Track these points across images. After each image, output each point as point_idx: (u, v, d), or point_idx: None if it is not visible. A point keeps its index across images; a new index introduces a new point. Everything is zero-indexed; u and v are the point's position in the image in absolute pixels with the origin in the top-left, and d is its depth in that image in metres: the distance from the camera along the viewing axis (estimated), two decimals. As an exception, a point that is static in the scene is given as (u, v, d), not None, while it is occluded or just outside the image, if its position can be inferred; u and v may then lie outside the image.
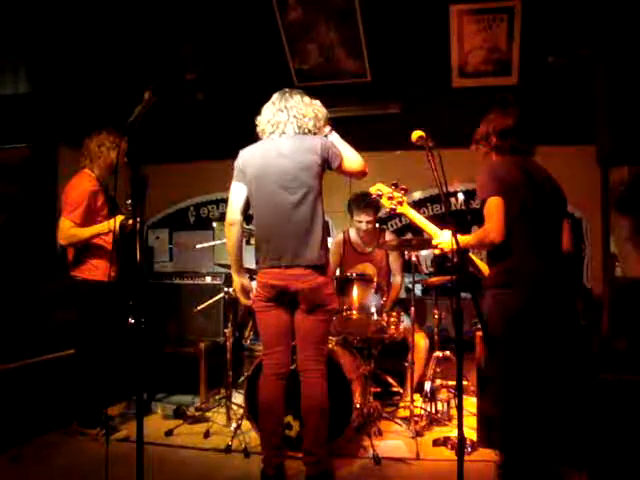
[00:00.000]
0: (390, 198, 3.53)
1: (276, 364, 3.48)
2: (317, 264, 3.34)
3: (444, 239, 3.21)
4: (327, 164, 3.40)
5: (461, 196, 6.06)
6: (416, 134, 2.86)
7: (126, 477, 2.37)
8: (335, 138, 3.57)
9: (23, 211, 5.59)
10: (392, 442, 4.21)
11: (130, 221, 4.06)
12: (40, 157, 5.71)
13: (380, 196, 3.56)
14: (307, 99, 3.51)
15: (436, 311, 4.78)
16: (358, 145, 5.05)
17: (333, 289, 3.54)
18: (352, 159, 3.49)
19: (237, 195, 3.51)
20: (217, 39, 5.88)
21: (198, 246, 5.34)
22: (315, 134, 3.47)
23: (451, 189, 6.02)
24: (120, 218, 4.08)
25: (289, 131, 3.44)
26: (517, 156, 3.16)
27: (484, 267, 3.33)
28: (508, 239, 2.97)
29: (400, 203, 3.52)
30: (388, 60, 5.84)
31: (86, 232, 4.26)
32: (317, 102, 3.55)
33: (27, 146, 5.74)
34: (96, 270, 4.33)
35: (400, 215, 3.87)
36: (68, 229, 4.25)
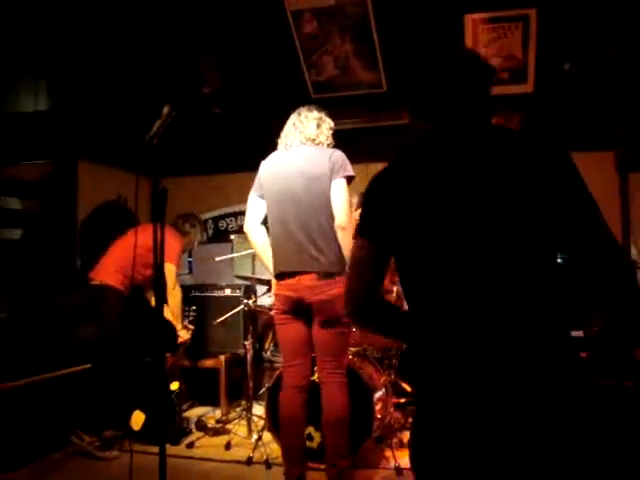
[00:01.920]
0: None
1: (296, 377, 3.48)
2: (330, 272, 3.33)
3: None
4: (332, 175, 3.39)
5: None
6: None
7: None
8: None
9: (44, 226, 5.65)
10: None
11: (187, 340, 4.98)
12: (60, 172, 5.77)
13: None
14: (316, 113, 3.56)
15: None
16: (373, 156, 5.07)
17: None
18: (339, 206, 3.35)
19: (251, 205, 3.59)
20: (233, 53, 5.93)
21: (217, 259, 5.36)
22: (328, 145, 3.50)
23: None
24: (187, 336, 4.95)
25: (297, 142, 3.49)
26: None
27: None
28: None
29: None
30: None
31: (177, 306, 4.90)
32: (322, 114, 3.58)
33: (48, 162, 5.80)
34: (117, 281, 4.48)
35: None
36: (175, 277, 4.82)
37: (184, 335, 4.95)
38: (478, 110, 1.71)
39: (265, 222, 3.59)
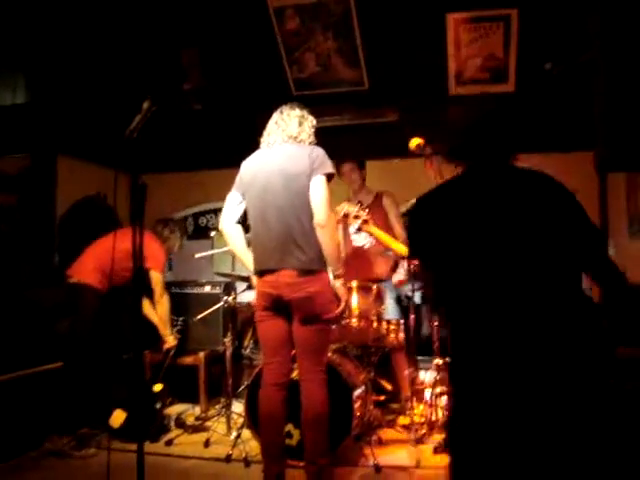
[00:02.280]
0: (356, 217, 3.59)
1: (275, 374, 3.47)
2: (310, 269, 3.32)
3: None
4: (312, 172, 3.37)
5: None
6: (414, 142, 2.88)
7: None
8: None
9: (22, 220, 5.59)
10: (392, 450, 4.20)
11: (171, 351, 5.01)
12: (39, 166, 5.71)
13: (347, 215, 3.61)
14: (298, 111, 3.56)
15: (435, 318, 4.77)
16: (355, 153, 5.08)
17: (330, 297, 3.45)
18: (318, 203, 3.32)
19: (228, 203, 3.59)
20: (215, 49, 5.91)
21: (197, 255, 5.34)
22: (310, 143, 3.50)
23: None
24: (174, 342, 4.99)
25: (279, 140, 3.49)
26: None
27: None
28: None
29: (366, 222, 3.59)
30: (385, 68, 5.86)
31: (165, 313, 4.97)
32: (305, 112, 3.58)
33: (26, 156, 5.74)
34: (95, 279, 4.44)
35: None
36: (162, 286, 4.90)
37: (171, 342, 4.96)
38: (504, 158, 2.17)
39: (244, 221, 3.57)
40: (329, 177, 3.36)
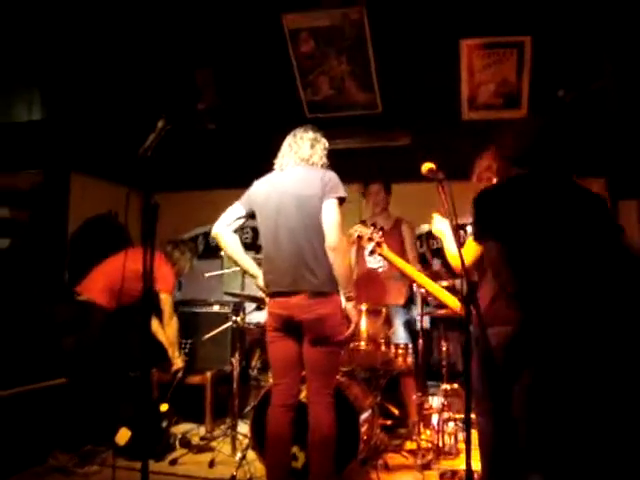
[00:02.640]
0: (370, 239, 3.58)
1: (284, 395, 3.45)
2: (321, 291, 3.32)
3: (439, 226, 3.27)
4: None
5: (469, 229, 6.05)
6: (426, 166, 2.87)
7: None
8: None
9: (33, 236, 5.62)
10: (399, 475, 4.16)
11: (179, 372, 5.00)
12: (52, 183, 5.75)
13: (360, 237, 3.61)
14: (311, 133, 3.58)
15: (444, 343, 4.75)
16: (368, 177, 5.07)
17: (342, 320, 3.43)
18: (329, 227, 3.34)
19: (230, 211, 3.59)
20: (230, 70, 5.96)
21: (207, 275, 5.35)
22: (322, 166, 3.51)
23: (460, 222, 6.01)
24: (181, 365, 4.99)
25: (292, 163, 3.51)
26: None
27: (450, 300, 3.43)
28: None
29: (379, 245, 3.58)
30: (398, 92, 5.89)
31: (174, 334, 4.99)
32: (318, 134, 3.59)
33: (39, 172, 5.78)
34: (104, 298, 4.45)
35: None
36: (171, 308, 4.91)
37: (179, 364, 4.97)
38: (562, 170, 2.66)
39: (254, 241, 3.58)
40: (341, 201, 3.37)
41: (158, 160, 3.55)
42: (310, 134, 3.57)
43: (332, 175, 3.41)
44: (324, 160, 3.54)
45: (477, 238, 2.70)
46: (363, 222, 3.80)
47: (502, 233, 2.59)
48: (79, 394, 4.43)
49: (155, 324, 4.83)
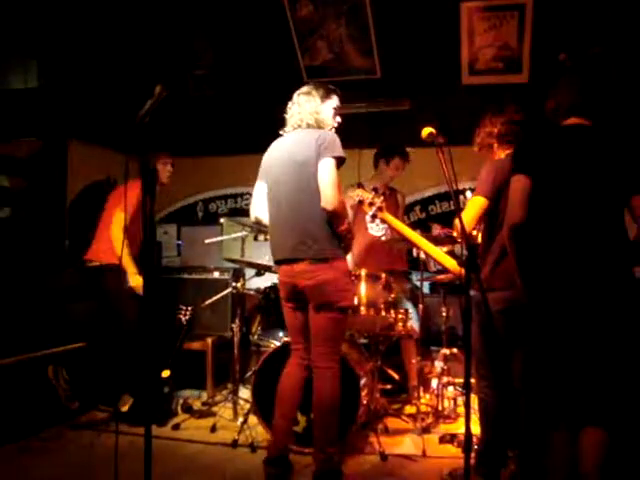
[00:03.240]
0: (371, 204, 3.56)
1: (302, 355, 3.50)
2: (321, 257, 3.30)
3: None
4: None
5: (469, 194, 6.03)
6: (426, 131, 2.85)
7: (134, 471, 2.38)
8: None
9: (32, 205, 5.61)
10: (399, 439, 4.20)
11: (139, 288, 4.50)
12: (50, 151, 5.72)
13: (361, 202, 3.58)
14: (303, 93, 3.51)
15: (444, 309, 4.76)
16: (367, 141, 5.04)
17: (345, 285, 3.41)
18: (324, 187, 3.26)
19: (255, 192, 3.61)
20: (228, 35, 5.89)
21: (207, 241, 5.33)
22: (319, 123, 3.44)
23: (460, 187, 6.00)
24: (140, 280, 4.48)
25: (290, 128, 3.48)
26: None
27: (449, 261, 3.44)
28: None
29: (380, 209, 3.56)
30: (398, 57, 5.83)
31: (124, 253, 4.46)
32: (314, 92, 3.49)
33: (37, 140, 5.75)
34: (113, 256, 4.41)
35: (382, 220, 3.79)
36: (120, 225, 4.41)
37: (134, 282, 4.56)
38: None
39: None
40: (338, 161, 3.30)
41: (156, 127, 3.53)
42: (302, 96, 3.50)
43: (327, 135, 3.35)
44: (322, 116, 3.46)
45: (515, 169, 2.74)
46: (360, 185, 3.75)
47: (539, 171, 2.70)
48: (88, 359, 4.45)
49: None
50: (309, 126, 3.43)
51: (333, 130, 3.50)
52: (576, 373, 2.64)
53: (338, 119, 3.56)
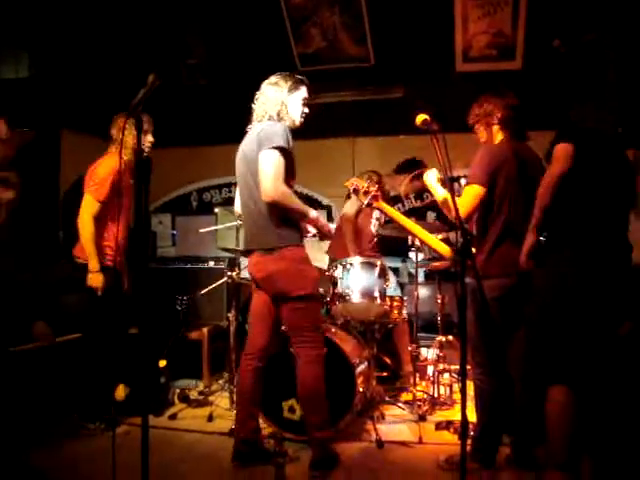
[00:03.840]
0: (366, 193, 3.56)
1: (249, 345, 3.57)
2: (267, 248, 3.32)
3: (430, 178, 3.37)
4: None
5: (463, 181, 6.04)
6: (420, 117, 2.84)
7: (131, 461, 2.39)
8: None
9: (25, 196, 5.57)
10: (395, 426, 4.22)
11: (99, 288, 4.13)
12: (42, 141, 5.69)
13: (356, 191, 3.58)
14: (264, 84, 3.49)
15: (439, 296, 4.77)
16: (361, 129, 5.01)
17: (298, 274, 3.35)
18: (262, 178, 3.23)
19: (237, 193, 3.68)
20: (220, 23, 5.86)
21: (201, 230, 5.32)
22: (270, 115, 3.40)
23: (454, 174, 5.99)
24: (100, 280, 4.11)
25: (257, 119, 3.47)
26: (512, 141, 3.30)
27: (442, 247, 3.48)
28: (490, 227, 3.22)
29: (376, 198, 3.56)
30: (392, 44, 5.82)
31: (90, 242, 4.12)
32: (275, 79, 3.46)
33: (29, 130, 5.71)
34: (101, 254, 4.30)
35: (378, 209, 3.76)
36: (89, 212, 4.16)
37: (93, 281, 4.16)
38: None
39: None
40: (280, 150, 3.22)
41: (149, 115, 3.50)
42: (269, 86, 3.46)
43: (267, 126, 3.32)
44: (287, 108, 3.41)
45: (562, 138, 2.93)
46: (379, 177, 3.72)
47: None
48: (80, 352, 4.44)
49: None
50: (270, 119, 3.39)
51: (296, 123, 3.48)
52: (575, 333, 2.89)
53: (306, 110, 3.53)
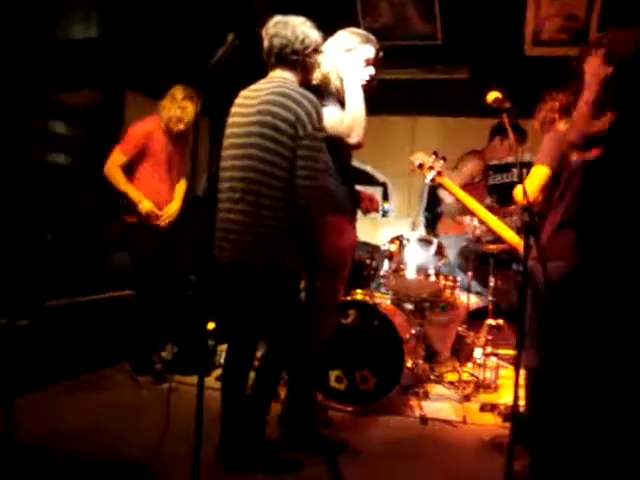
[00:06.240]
0: (430, 168, 3.53)
1: None
2: None
3: None
4: None
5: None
6: (492, 95, 2.82)
7: (180, 413, 2.46)
8: None
9: (88, 153, 5.68)
10: (439, 404, 4.22)
11: (161, 221, 4.40)
12: (107, 101, 5.78)
13: (421, 166, 3.55)
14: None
15: (492, 279, 4.72)
16: (422, 109, 4.92)
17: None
18: None
19: None
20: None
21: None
22: None
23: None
24: (149, 206, 4.31)
25: None
26: None
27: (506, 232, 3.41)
28: None
29: (440, 173, 3.53)
30: (460, 23, 5.73)
31: (122, 184, 4.33)
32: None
33: (95, 90, 5.80)
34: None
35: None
36: (114, 162, 4.36)
37: (144, 207, 4.32)
38: None
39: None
40: None
41: (225, 79, 3.51)
42: None
43: None
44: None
45: None
46: (435, 154, 3.69)
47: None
48: (132, 308, 4.54)
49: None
50: None
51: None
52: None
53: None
